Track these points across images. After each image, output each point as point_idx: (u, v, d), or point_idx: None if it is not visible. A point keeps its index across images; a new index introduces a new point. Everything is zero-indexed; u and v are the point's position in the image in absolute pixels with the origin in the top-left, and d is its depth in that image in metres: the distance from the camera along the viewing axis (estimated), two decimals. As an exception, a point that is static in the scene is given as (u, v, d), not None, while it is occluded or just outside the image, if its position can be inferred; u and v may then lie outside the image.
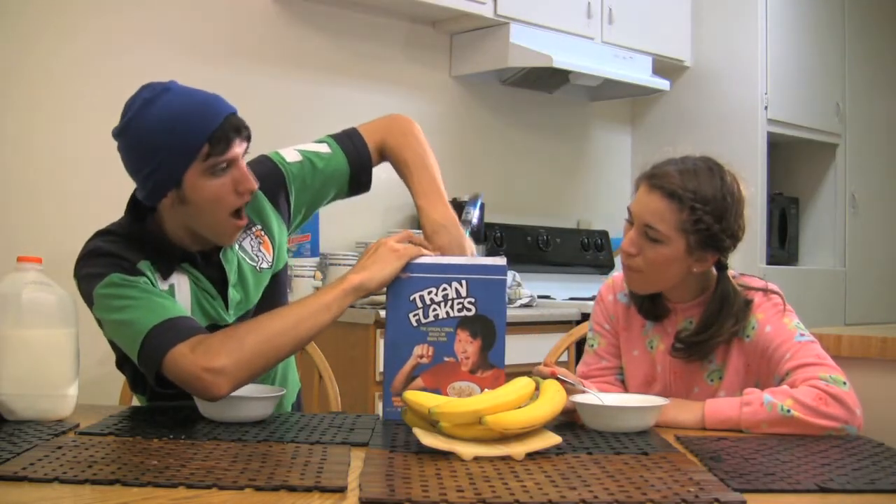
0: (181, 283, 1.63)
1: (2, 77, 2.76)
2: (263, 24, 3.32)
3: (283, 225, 1.78)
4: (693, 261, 1.66)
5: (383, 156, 1.85)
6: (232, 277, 1.67)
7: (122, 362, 1.69)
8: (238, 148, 1.56)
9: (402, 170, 1.80)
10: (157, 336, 1.46)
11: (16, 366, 1.45)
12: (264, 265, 1.74)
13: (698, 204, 1.62)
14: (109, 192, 2.92)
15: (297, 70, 3.41)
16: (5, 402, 1.44)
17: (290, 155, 1.78)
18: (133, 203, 1.65)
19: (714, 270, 1.70)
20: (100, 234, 1.63)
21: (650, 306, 1.75)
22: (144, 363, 1.48)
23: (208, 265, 1.66)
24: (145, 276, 1.56)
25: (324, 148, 1.81)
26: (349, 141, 1.82)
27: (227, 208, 1.57)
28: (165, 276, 1.61)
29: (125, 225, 1.65)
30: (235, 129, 1.55)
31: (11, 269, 1.51)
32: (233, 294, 1.68)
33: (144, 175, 1.56)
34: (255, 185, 1.59)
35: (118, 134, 1.59)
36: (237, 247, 1.71)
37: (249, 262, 1.71)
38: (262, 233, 1.74)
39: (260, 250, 1.74)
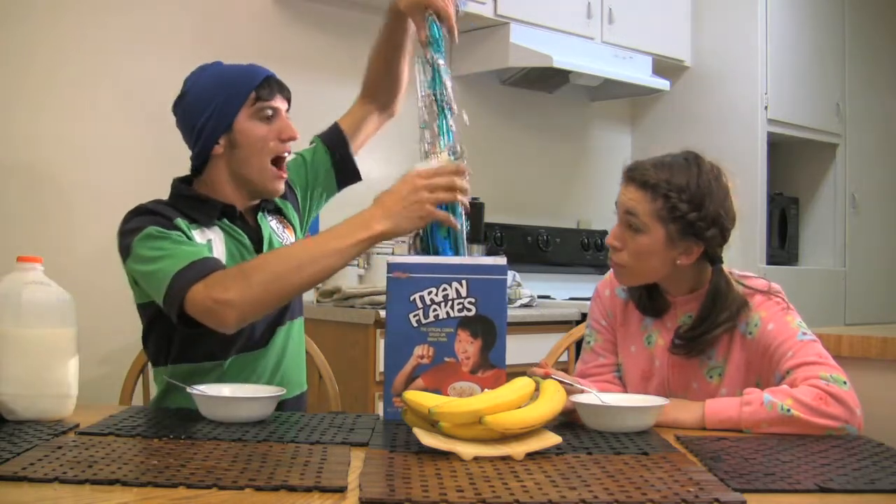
0: (216, 240, 1.76)
1: (5, 77, 2.76)
2: (263, 24, 3.32)
3: (297, 215, 1.97)
4: (677, 252, 1.68)
5: (366, 104, 2.03)
6: (265, 239, 1.82)
7: (148, 333, 1.81)
8: (280, 102, 1.79)
9: (381, 47, 1.97)
10: (179, 278, 1.57)
11: (16, 366, 1.45)
12: (286, 242, 1.89)
13: (672, 192, 1.65)
14: (111, 192, 2.93)
15: (297, 70, 3.41)
16: (5, 402, 1.44)
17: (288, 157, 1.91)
18: (177, 182, 1.85)
19: (709, 266, 1.71)
20: (148, 201, 1.76)
21: (648, 301, 1.76)
22: (169, 305, 1.59)
23: (245, 224, 1.82)
24: (181, 230, 1.69)
25: (310, 146, 2.04)
26: (326, 130, 2.03)
27: (270, 153, 1.77)
28: (203, 231, 1.75)
29: (171, 193, 1.83)
30: (278, 84, 1.80)
31: (11, 269, 1.51)
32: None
33: (200, 126, 1.76)
34: (296, 134, 1.79)
35: (177, 102, 1.81)
36: (268, 221, 1.87)
37: (277, 237, 1.87)
38: (284, 220, 1.93)
39: (284, 232, 1.91)
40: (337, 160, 2.01)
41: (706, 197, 1.66)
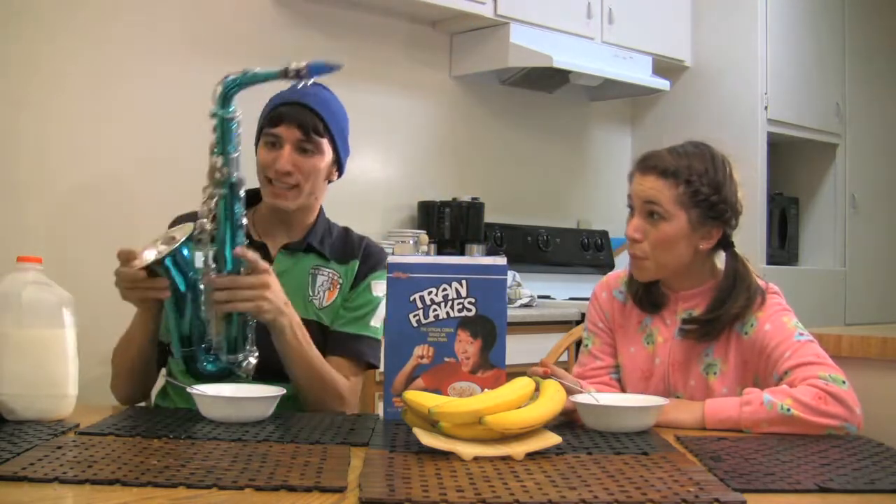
0: None
1: (7, 78, 2.76)
2: (263, 24, 3.32)
3: (348, 293, 1.86)
4: (699, 237, 1.69)
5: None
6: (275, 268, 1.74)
7: None
8: (287, 131, 1.77)
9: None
10: None
11: (16, 366, 1.45)
12: (316, 301, 1.83)
13: (694, 177, 1.66)
14: (111, 192, 2.93)
15: (297, 70, 3.41)
16: (5, 402, 1.44)
17: (378, 290, 1.85)
18: None
19: (722, 256, 1.72)
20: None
21: (645, 296, 1.76)
22: None
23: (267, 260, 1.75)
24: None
25: (376, 321, 1.87)
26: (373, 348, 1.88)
27: (266, 174, 1.81)
28: None
29: None
30: (290, 114, 1.77)
31: (11, 269, 1.51)
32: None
33: None
34: (284, 168, 1.77)
35: None
36: (309, 274, 1.84)
37: (308, 290, 1.83)
38: (338, 283, 1.86)
39: (324, 292, 1.85)
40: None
41: (723, 181, 1.69)
